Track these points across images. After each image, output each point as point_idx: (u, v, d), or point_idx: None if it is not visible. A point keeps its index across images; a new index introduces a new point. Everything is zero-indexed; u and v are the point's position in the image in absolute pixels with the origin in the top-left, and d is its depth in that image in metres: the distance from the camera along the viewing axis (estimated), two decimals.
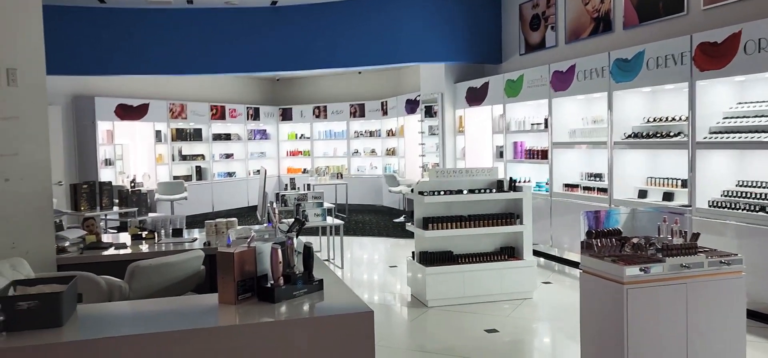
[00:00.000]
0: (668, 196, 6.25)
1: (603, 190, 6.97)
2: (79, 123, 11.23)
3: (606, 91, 6.83)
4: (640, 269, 3.38)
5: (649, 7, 6.85)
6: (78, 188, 7.51)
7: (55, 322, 2.55)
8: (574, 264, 7.21)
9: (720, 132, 5.59)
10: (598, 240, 3.66)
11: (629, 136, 6.62)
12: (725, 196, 5.56)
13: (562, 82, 7.57)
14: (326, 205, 7.65)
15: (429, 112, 10.70)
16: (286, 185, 9.98)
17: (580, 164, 7.63)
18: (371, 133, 14.43)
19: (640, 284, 3.37)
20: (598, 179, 7.19)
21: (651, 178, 6.58)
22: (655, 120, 6.41)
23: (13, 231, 4.20)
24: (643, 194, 6.60)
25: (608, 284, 3.46)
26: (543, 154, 8.03)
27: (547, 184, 7.91)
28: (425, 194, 5.80)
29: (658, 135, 6.27)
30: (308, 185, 10.62)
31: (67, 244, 4.77)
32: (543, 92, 7.92)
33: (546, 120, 7.91)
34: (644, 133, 6.47)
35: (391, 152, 13.92)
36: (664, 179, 6.38)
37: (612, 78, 6.73)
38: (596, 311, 3.62)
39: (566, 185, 7.60)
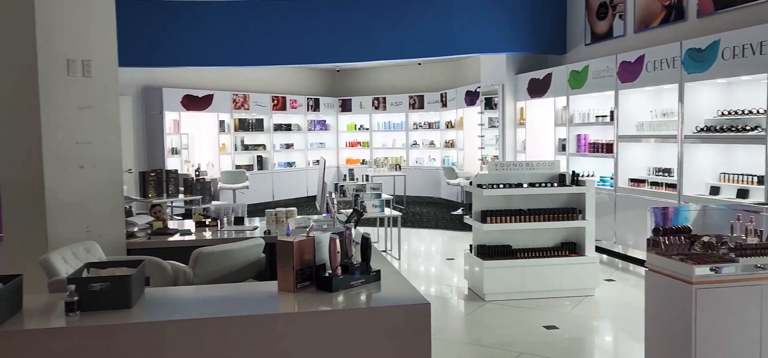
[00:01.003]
0: (743, 193, 5.94)
1: (672, 185, 6.69)
2: (148, 113, 11.68)
3: (677, 82, 6.55)
4: (711, 269, 3.23)
5: None
6: (146, 175, 7.81)
7: (124, 303, 2.67)
8: (639, 262, 6.96)
9: None
10: (666, 237, 3.51)
11: (701, 129, 6.33)
12: None
13: (629, 73, 7.30)
14: (384, 196, 7.67)
15: (489, 104, 10.55)
16: (345, 175, 10.07)
17: (648, 158, 7.35)
18: (430, 125, 14.37)
19: (710, 284, 3.22)
20: (666, 174, 6.91)
21: (724, 174, 6.26)
22: (729, 113, 6.10)
23: (87, 216, 4.41)
24: (715, 190, 6.29)
25: (676, 284, 3.32)
26: (608, 148, 7.79)
27: (611, 178, 7.67)
28: (484, 186, 5.73)
29: (733, 129, 5.96)
30: (367, 175, 10.67)
31: (135, 229, 4.96)
32: (609, 83, 7.67)
33: (612, 112, 7.66)
34: (718, 127, 6.16)
35: (449, 144, 13.83)
36: (738, 175, 6.06)
37: (684, 69, 6.44)
38: (662, 312, 3.48)
39: (632, 180, 7.35)
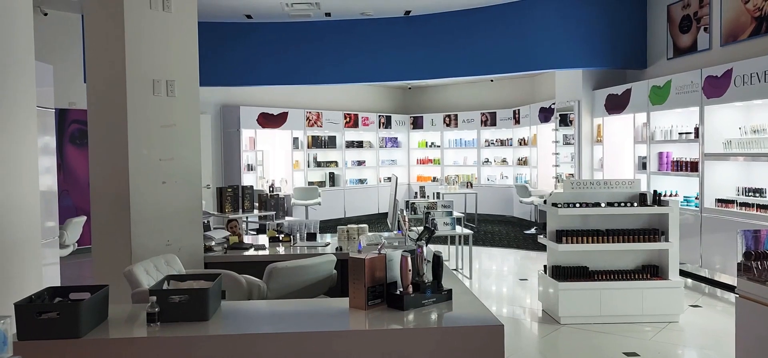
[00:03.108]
0: None
1: (764, 207, 6.27)
2: (226, 130, 12.11)
3: None
4: None
5: None
6: (223, 191, 8.06)
7: (202, 316, 2.74)
8: (727, 287, 6.55)
9: None
10: (759, 262, 3.28)
11: None
12: None
13: (716, 88, 6.93)
14: (455, 214, 7.59)
15: (564, 121, 10.28)
16: (416, 193, 10.05)
17: (737, 178, 6.93)
18: (502, 142, 14.16)
19: None
20: (758, 194, 6.49)
21: None
22: None
23: (168, 229, 4.59)
24: None
25: None
26: (692, 166, 7.40)
27: (696, 198, 7.27)
28: (559, 205, 5.56)
29: None
30: (438, 193, 10.61)
31: (213, 243, 5.12)
32: (693, 99, 7.31)
33: (696, 129, 7.28)
34: None
35: (522, 162, 13.57)
36: None
37: None
38: (755, 342, 3.24)
39: (719, 200, 6.94)
